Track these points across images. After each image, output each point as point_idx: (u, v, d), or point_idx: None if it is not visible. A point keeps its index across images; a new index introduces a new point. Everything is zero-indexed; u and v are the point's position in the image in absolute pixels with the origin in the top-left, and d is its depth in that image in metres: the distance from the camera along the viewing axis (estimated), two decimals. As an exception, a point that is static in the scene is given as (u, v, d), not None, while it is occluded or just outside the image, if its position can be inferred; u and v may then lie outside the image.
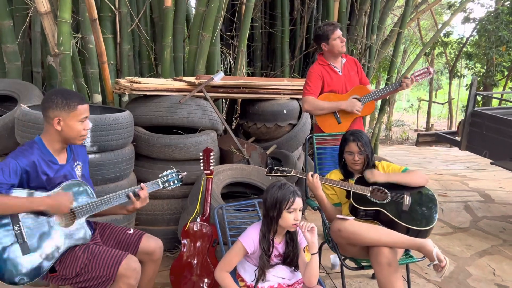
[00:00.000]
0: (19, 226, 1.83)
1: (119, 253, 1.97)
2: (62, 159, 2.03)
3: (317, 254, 1.97)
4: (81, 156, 2.17)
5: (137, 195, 2.11)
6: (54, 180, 1.96)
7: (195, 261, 2.63)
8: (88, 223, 2.14)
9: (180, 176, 2.26)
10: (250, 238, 2.02)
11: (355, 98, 3.20)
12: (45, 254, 1.89)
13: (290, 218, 1.95)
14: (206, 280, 2.59)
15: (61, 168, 2.00)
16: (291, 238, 2.05)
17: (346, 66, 3.34)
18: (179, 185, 2.26)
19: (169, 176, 2.23)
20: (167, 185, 2.23)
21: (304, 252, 1.97)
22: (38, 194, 1.89)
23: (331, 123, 3.23)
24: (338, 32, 3.20)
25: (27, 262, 1.84)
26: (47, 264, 1.90)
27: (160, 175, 2.23)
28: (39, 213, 1.89)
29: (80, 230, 2.00)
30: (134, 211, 2.17)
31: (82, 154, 2.19)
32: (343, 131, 2.85)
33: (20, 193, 1.85)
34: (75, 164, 2.11)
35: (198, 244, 2.64)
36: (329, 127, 3.23)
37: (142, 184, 2.15)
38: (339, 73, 3.29)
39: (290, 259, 2.05)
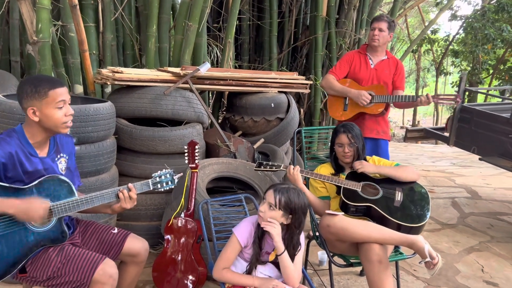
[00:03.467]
0: None
1: (95, 257, 1.82)
2: (43, 151, 1.87)
3: (285, 256, 1.88)
4: (66, 148, 2.00)
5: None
6: (33, 174, 1.80)
7: (179, 258, 2.54)
8: (70, 219, 2.02)
9: (175, 177, 2.07)
10: (244, 230, 1.94)
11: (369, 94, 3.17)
12: (15, 253, 1.76)
13: (260, 208, 1.89)
14: (190, 277, 2.51)
15: (41, 161, 1.84)
16: (290, 238, 1.92)
17: (382, 63, 3.28)
18: (172, 187, 2.05)
19: (162, 177, 2.03)
20: (159, 187, 2.02)
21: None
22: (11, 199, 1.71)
23: (337, 108, 3.29)
24: (376, 24, 3.20)
25: None
26: (17, 264, 1.77)
27: (152, 175, 2.03)
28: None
29: (57, 230, 1.85)
30: (120, 211, 1.98)
31: (68, 146, 2.01)
32: (343, 119, 2.81)
33: None
34: (58, 157, 1.94)
35: (182, 240, 2.56)
36: (334, 111, 3.31)
37: (130, 184, 1.95)
38: (371, 66, 3.27)
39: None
